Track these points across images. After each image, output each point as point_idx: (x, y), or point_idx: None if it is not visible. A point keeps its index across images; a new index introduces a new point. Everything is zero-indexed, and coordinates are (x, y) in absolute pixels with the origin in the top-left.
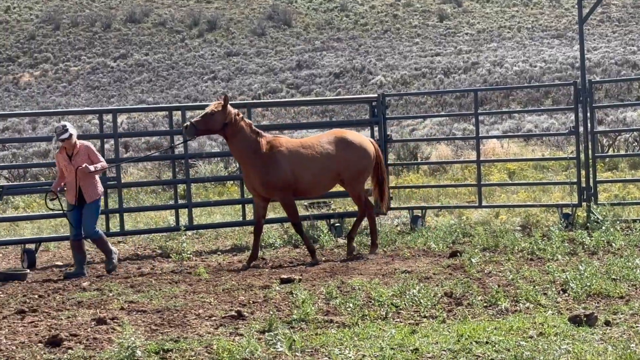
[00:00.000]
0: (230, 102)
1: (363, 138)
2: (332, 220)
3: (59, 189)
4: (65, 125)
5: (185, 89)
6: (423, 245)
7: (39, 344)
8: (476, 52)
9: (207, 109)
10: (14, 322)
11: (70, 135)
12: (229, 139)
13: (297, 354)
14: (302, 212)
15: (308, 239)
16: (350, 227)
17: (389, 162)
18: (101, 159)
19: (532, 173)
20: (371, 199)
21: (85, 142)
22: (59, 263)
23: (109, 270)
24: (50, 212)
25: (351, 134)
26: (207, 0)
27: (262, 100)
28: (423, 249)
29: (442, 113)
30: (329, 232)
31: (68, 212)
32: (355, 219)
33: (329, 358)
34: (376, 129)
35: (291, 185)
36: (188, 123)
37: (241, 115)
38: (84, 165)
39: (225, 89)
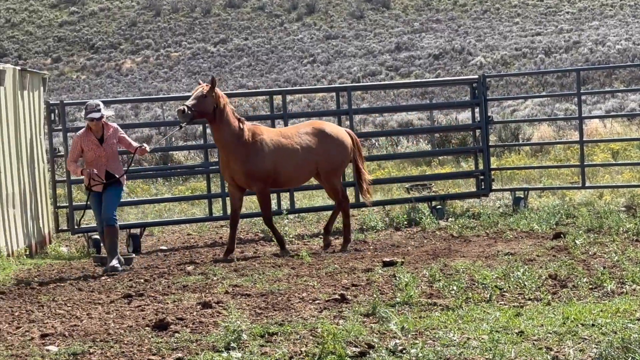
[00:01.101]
0: (330, 85)
1: (340, 130)
2: (433, 203)
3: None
4: (98, 104)
5: (284, 72)
6: (526, 227)
7: (146, 328)
8: (577, 30)
9: (197, 92)
10: (121, 306)
11: (102, 115)
12: (216, 124)
13: (405, 335)
14: (403, 194)
15: (279, 233)
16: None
17: (490, 144)
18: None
19: (636, 153)
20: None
21: (114, 124)
22: (164, 247)
23: (106, 270)
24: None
25: (329, 126)
26: None
27: (361, 84)
28: (526, 230)
29: (544, 93)
30: (431, 215)
31: (90, 202)
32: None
33: (434, 341)
34: (477, 110)
35: (271, 176)
36: (184, 107)
37: (227, 99)
38: (144, 146)
39: (324, 72)
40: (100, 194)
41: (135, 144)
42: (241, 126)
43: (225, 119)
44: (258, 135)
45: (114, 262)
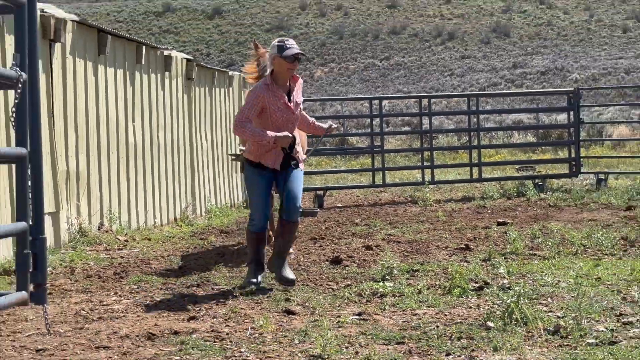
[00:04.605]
0: (463, 93)
1: None
2: (536, 180)
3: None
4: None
5: (430, 82)
6: (605, 200)
7: (325, 262)
8: None
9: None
10: (308, 246)
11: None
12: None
13: (511, 277)
14: (514, 173)
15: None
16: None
17: (580, 138)
18: None
19: None
20: None
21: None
22: (339, 205)
23: (281, 280)
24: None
25: None
26: (448, 18)
27: (486, 92)
28: (605, 203)
29: (622, 102)
30: (534, 189)
31: (258, 182)
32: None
33: (533, 281)
34: (572, 113)
35: None
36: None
37: None
38: (334, 126)
39: (459, 82)
40: (272, 175)
41: (311, 120)
42: None
43: None
44: None
45: (290, 273)
